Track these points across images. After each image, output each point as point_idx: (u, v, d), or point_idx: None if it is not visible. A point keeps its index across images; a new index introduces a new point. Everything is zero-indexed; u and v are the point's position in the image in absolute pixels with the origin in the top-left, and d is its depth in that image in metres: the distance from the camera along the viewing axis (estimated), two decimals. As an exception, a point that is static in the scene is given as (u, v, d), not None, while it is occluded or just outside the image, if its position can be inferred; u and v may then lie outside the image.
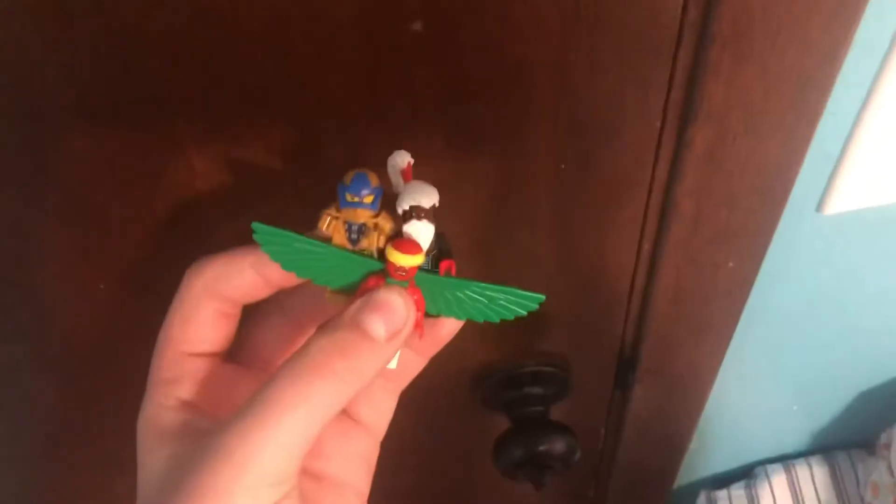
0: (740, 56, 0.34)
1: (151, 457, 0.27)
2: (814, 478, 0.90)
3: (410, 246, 0.27)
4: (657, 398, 0.63)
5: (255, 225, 0.26)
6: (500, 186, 0.39)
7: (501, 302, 0.29)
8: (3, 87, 0.29)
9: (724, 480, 0.95)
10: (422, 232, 0.28)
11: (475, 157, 0.37)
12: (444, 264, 0.29)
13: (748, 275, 0.49)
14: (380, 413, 0.32)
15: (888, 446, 0.81)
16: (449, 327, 0.31)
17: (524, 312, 0.29)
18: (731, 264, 0.48)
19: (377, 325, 0.26)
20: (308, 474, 0.30)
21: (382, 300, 0.26)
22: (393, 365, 0.29)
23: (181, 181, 0.34)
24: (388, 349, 0.26)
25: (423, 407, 0.59)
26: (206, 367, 0.28)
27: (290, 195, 0.35)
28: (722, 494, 0.92)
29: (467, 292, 0.29)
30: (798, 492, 0.90)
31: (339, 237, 0.28)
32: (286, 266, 0.27)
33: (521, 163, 0.38)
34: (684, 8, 0.33)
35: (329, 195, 0.28)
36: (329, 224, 0.28)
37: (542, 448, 0.54)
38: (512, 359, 0.55)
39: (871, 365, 0.77)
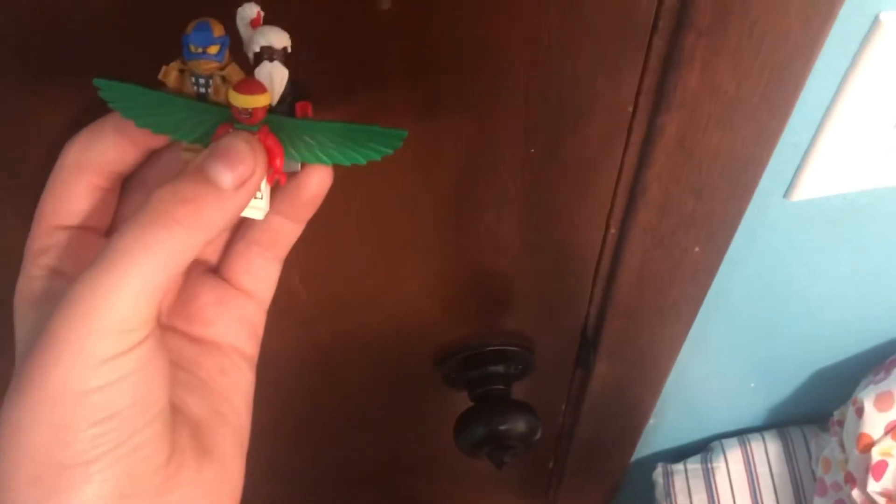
0: (716, 45, 0.33)
1: (23, 325, 0.27)
2: (768, 452, 0.92)
3: (251, 85, 0.26)
4: (617, 377, 0.63)
5: (98, 81, 0.26)
6: (469, 168, 0.39)
7: (364, 141, 0.27)
8: None
9: (682, 454, 0.96)
10: (274, 73, 0.27)
11: (444, 138, 0.36)
12: (299, 106, 0.28)
13: (713, 260, 0.49)
14: (260, 280, 0.32)
15: (840, 423, 0.83)
16: (315, 180, 0.29)
17: (390, 151, 0.27)
18: (696, 249, 0.47)
19: (221, 173, 0.25)
20: (191, 339, 0.31)
21: (225, 146, 0.25)
22: (259, 216, 0.28)
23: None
24: (235, 197, 0.25)
25: (385, 384, 0.59)
26: (76, 239, 0.28)
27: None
28: (679, 467, 0.94)
29: (328, 133, 0.27)
30: (752, 465, 0.92)
31: (187, 89, 0.27)
32: (138, 122, 0.26)
33: (490, 145, 0.37)
34: (661, -6, 0.32)
35: None
36: (174, 76, 0.26)
37: (503, 427, 0.54)
38: (475, 338, 0.55)
39: (826, 346, 0.78)
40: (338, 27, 0.30)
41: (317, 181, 0.29)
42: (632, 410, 0.72)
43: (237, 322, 0.32)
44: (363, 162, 0.28)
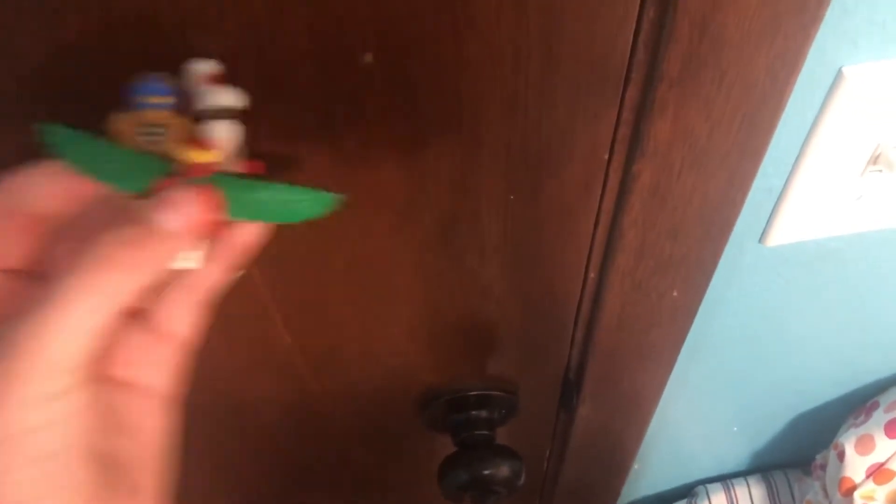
0: (686, 96, 0.35)
1: None
2: (752, 496, 0.92)
3: (201, 142, 0.27)
4: (601, 419, 0.63)
5: (47, 126, 0.26)
6: (452, 215, 0.39)
7: (297, 202, 0.29)
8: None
9: (666, 499, 0.96)
10: (220, 131, 0.27)
11: (427, 186, 0.37)
12: (249, 165, 0.29)
13: (692, 303, 0.50)
14: (184, 323, 0.33)
15: (823, 467, 0.83)
16: (245, 232, 0.31)
17: (321, 213, 0.29)
18: (675, 293, 0.48)
19: (164, 220, 0.26)
20: (115, 382, 0.31)
21: (170, 196, 0.27)
22: (194, 265, 0.29)
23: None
24: (175, 244, 0.27)
25: (370, 428, 0.59)
26: (5, 281, 0.28)
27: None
28: (663, 513, 0.94)
29: (264, 193, 0.28)
30: (737, 510, 0.92)
31: (132, 140, 0.27)
32: (80, 170, 0.27)
33: (471, 193, 0.38)
34: (633, 48, 0.33)
35: None
36: (120, 126, 0.27)
37: (486, 472, 0.54)
38: (458, 382, 0.55)
39: (807, 389, 0.79)
40: (322, 78, 0.31)
41: (250, 234, 0.31)
42: (616, 453, 0.72)
43: (161, 364, 0.32)
44: (297, 221, 0.29)
